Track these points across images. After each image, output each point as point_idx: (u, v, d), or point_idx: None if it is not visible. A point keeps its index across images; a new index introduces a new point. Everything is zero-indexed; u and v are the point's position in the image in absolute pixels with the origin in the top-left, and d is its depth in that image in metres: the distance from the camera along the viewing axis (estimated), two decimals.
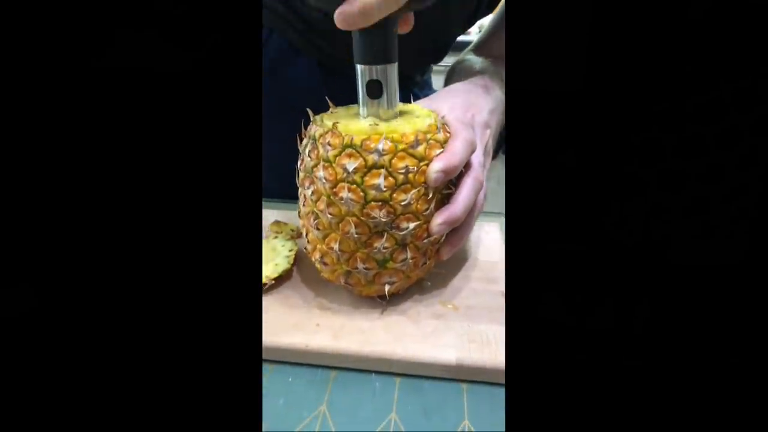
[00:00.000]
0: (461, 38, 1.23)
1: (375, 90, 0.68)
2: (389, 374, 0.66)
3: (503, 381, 0.64)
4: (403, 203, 0.65)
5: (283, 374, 0.65)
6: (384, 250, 0.68)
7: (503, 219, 1.03)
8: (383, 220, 0.66)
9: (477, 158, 0.75)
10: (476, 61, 1.14)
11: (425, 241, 0.69)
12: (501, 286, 0.80)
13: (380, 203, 0.66)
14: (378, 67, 0.66)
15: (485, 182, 0.78)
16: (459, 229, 0.73)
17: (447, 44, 1.19)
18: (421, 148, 0.66)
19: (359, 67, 0.67)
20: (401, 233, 0.67)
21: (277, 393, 0.63)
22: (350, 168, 0.65)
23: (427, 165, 0.66)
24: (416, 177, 0.66)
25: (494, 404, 0.62)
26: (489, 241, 0.93)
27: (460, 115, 0.79)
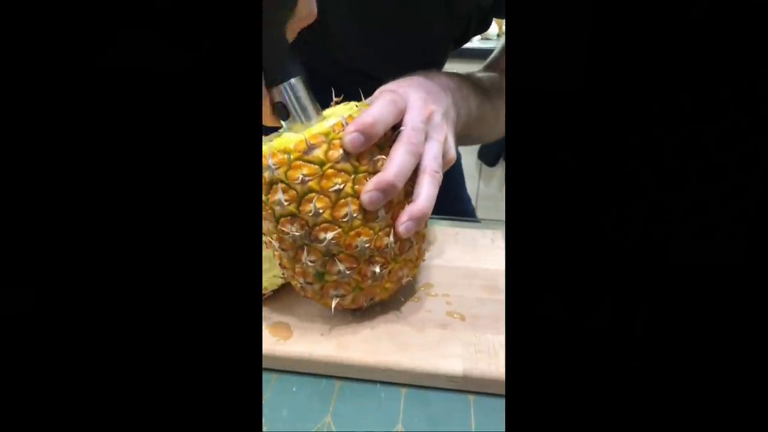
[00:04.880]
0: (480, 45, 1.22)
1: (283, 112, 0.66)
2: (395, 385, 0.65)
3: None
4: (310, 214, 0.63)
5: (287, 384, 0.65)
6: (312, 264, 0.66)
7: None
8: (297, 234, 0.64)
9: (410, 121, 0.69)
10: (478, 74, 1.12)
11: (358, 248, 0.65)
12: None
13: (290, 217, 0.64)
14: (279, 87, 0.65)
15: (437, 144, 0.72)
16: (416, 198, 0.68)
17: (436, 61, 1.19)
18: (319, 152, 0.63)
19: (278, 88, 0.65)
20: (322, 245, 0.64)
21: (280, 403, 0.62)
22: None
23: (332, 168, 0.63)
24: (321, 183, 0.63)
25: (503, 416, 0.60)
26: (495, 249, 0.92)
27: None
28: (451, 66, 1.12)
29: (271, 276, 0.78)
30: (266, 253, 0.84)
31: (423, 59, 1.09)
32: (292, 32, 0.66)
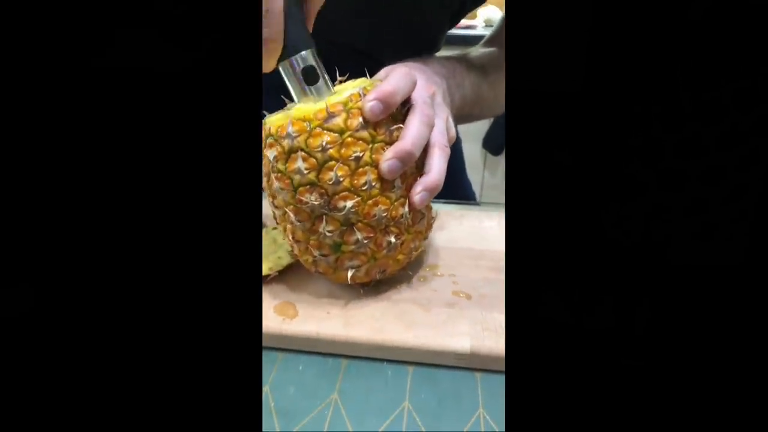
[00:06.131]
0: (486, 33, 1.23)
1: (313, 76, 0.67)
2: (402, 363, 0.65)
3: None
4: (330, 182, 0.64)
5: (294, 362, 0.65)
6: (330, 234, 0.67)
7: None
8: (316, 203, 0.64)
9: (420, 96, 0.73)
10: (475, 51, 1.16)
11: (376, 216, 0.66)
12: None
13: (308, 186, 0.64)
14: (305, 52, 0.65)
15: (441, 121, 0.76)
16: (429, 170, 0.71)
17: (432, 40, 1.21)
18: (339, 120, 0.64)
19: (289, 61, 0.65)
20: (341, 213, 0.65)
21: (287, 381, 0.62)
22: (271, 157, 0.65)
23: (351, 136, 0.64)
24: (341, 151, 0.64)
25: None
26: (500, 231, 0.93)
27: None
28: (456, 52, 1.13)
29: (276, 257, 0.78)
30: (272, 234, 0.85)
31: (419, 36, 1.12)
32: (310, 14, 0.67)
